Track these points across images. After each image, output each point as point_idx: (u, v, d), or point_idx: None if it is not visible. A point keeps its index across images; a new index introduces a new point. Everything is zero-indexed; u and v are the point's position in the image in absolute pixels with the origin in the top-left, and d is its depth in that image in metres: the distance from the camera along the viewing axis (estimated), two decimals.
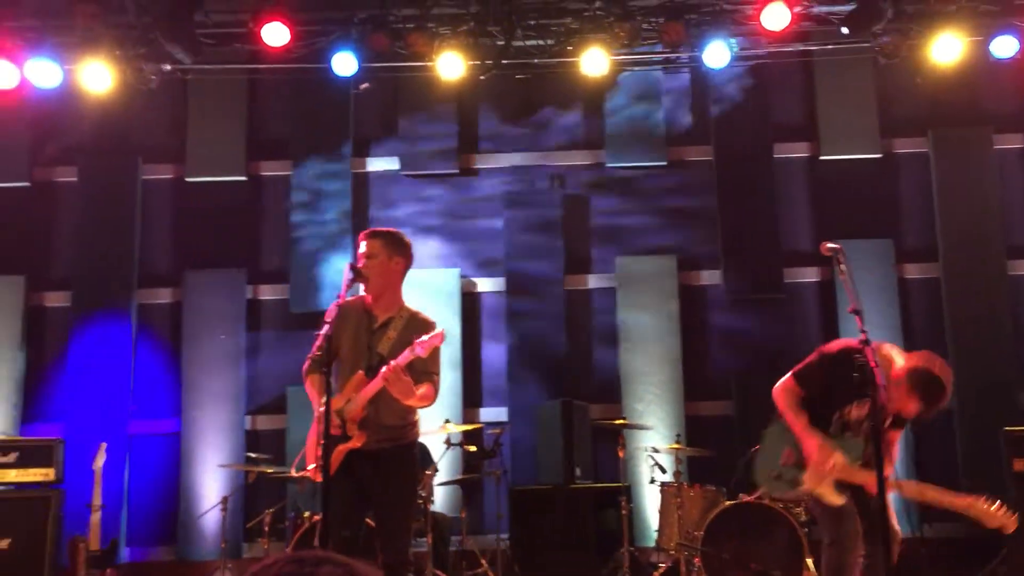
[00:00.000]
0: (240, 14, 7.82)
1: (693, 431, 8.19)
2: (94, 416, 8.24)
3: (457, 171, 8.91)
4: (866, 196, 8.74)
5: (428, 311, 4.78)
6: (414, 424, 4.73)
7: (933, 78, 8.03)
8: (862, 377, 4.08)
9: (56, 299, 8.72)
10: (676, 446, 7.14)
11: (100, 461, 6.78)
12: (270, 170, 8.98)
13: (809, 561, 6.33)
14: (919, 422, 4.69)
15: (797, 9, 7.46)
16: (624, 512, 6.98)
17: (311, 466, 4.54)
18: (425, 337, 4.41)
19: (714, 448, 7.42)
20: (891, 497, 4.36)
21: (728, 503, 6.63)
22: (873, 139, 8.75)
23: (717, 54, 7.78)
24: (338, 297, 4.38)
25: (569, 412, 7.72)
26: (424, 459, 6.96)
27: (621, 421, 7.46)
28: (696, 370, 8.52)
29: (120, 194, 8.78)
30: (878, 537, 4.30)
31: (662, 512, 6.99)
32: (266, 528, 6.93)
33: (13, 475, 6.77)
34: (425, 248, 8.64)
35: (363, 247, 4.71)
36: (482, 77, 8.10)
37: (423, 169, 8.90)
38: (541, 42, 8.03)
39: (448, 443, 7.19)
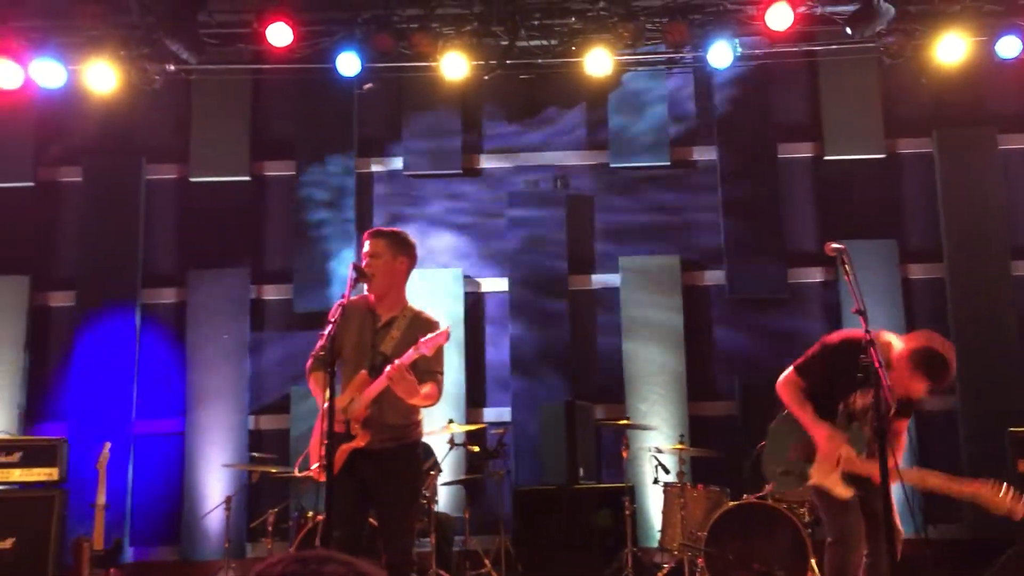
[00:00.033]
0: (244, 14, 7.83)
1: (697, 431, 8.18)
2: (98, 416, 8.25)
3: (461, 171, 8.92)
4: (870, 196, 8.73)
5: (432, 311, 4.79)
6: (417, 424, 4.73)
7: (937, 78, 8.03)
8: (866, 378, 4.08)
9: (60, 299, 8.73)
10: (680, 446, 7.13)
11: (104, 461, 6.79)
12: (274, 170, 8.99)
13: (813, 562, 6.32)
14: (925, 401, 4.66)
15: (801, 9, 7.45)
16: (628, 512, 6.98)
17: (314, 465, 4.54)
18: (430, 336, 4.41)
19: (718, 449, 7.42)
20: (895, 496, 4.36)
21: (732, 504, 6.62)
22: (877, 139, 8.74)
23: (721, 54, 7.78)
24: (342, 297, 4.38)
25: (573, 412, 7.72)
26: (428, 459, 6.96)
27: (625, 421, 7.46)
28: (700, 370, 8.52)
29: (124, 194, 8.79)
30: (881, 536, 4.30)
31: (665, 512, 6.98)
32: (270, 528, 6.93)
33: (17, 475, 6.79)
34: (429, 248, 8.65)
35: (367, 247, 4.72)
36: (486, 77, 8.11)
37: (427, 169, 8.90)
38: (545, 42, 8.03)
39: (452, 443, 7.19)
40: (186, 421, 8.42)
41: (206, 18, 7.80)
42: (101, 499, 6.65)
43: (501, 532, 7.22)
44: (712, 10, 7.77)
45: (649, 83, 8.86)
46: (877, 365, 4.06)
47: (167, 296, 8.78)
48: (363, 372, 4.54)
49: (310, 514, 6.57)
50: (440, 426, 7.10)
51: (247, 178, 8.91)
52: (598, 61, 7.84)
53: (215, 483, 8.19)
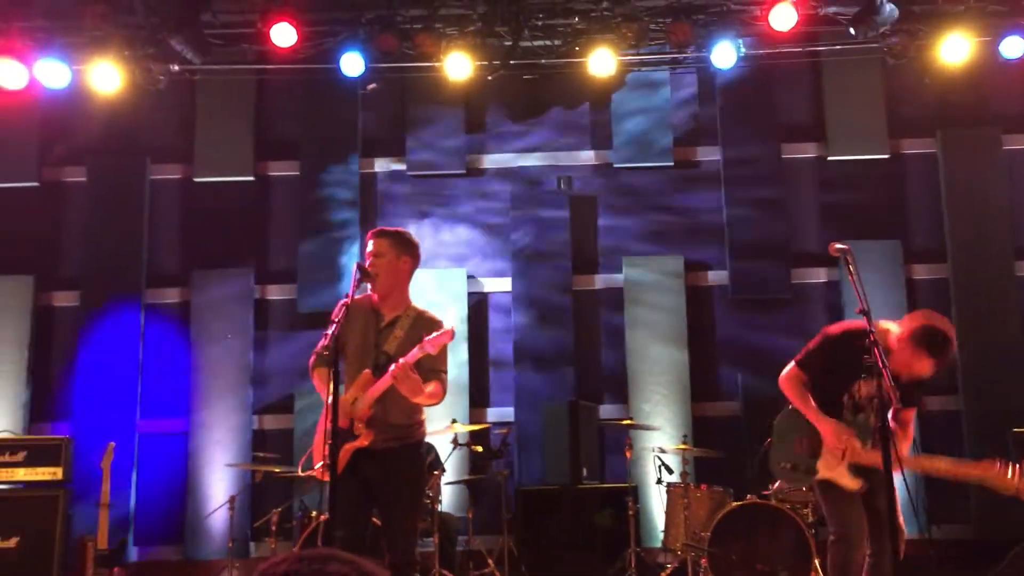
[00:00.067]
0: (248, 15, 7.84)
1: (700, 432, 8.17)
2: (102, 415, 8.26)
3: (464, 171, 8.92)
4: (874, 197, 8.73)
5: (435, 311, 4.79)
6: (421, 424, 4.73)
7: (941, 79, 8.02)
8: (870, 368, 4.10)
9: (64, 299, 8.75)
10: (683, 447, 7.13)
11: (108, 460, 6.80)
12: (278, 170, 9.00)
13: (816, 562, 6.32)
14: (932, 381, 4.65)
15: (805, 10, 7.45)
16: (631, 512, 6.98)
17: (318, 465, 4.55)
18: (434, 334, 4.42)
19: (721, 449, 7.41)
20: (899, 497, 4.35)
21: (735, 504, 6.62)
22: (881, 140, 8.74)
23: (724, 54, 7.78)
24: (346, 297, 4.38)
25: (576, 412, 7.72)
26: (432, 460, 6.97)
27: (628, 421, 7.47)
28: (703, 371, 8.52)
29: (128, 194, 8.80)
30: (885, 535, 4.30)
31: (669, 513, 6.98)
32: (273, 527, 6.94)
33: (22, 474, 6.80)
34: (433, 248, 8.66)
35: (371, 246, 4.73)
36: (490, 77, 8.12)
37: (431, 169, 8.91)
38: (548, 42, 8.03)
39: (455, 443, 7.19)
40: (190, 421, 8.43)
41: (210, 18, 7.82)
42: (105, 498, 6.66)
43: (505, 532, 7.23)
44: (716, 10, 7.77)
45: (653, 83, 8.86)
46: (881, 366, 4.06)
47: (171, 296, 8.79)
48: (367, 371, 4.55)
49: (314, 514, 6.58)
50: (444, 426, 7.10)
51: (251, 178, 8.92)
52: (602, 61, 7.85)
53: (219, 483, 8.20)
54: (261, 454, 7.63)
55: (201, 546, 8.20)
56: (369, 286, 4.68)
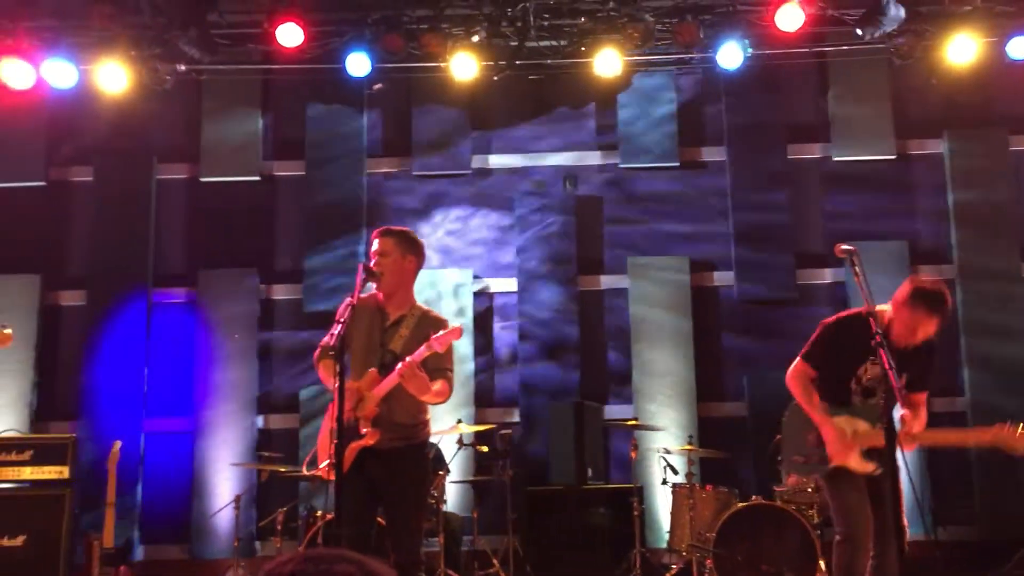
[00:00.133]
0: (254, 15, 7.86)
1: (705, 432, 8.17)
2: (108, 414, 8.28)
3: (470, 171, 8.92)
4: (880, 198, 8.71)
5: (441, 311, 4.80)
6: (426, 423, 4.74)
7: (948, 79, 8.02)
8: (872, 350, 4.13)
9: (71, 298, 8.77)
10: (688, 447, 7.13)
11: (114, 459, 6.81)
12: (284, 170, 9.01)
13: (822, 563, 6.31)
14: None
15: (811, 10, 7.44)
16: (636, 513, 6.98)
17: (323, 464, 4.55)
18: (442, 332, 4.43)
19: (726, 449, 7.41)
20: (904, 497, 4.35)
21: (740, 504, 6.62)
22: (888, 140, 8.72)
23: (730, 55, 7.78)
24: (351, 296, 4.38)
25: (581, 413, 7.72)
26: (437, 461, 6.98)
27: (633, 422, 7.46)
28: (709, 371, 8.51)
29: (135, 194, 8.82)
30: (889, 536, 4.30)
31: (674, 513, 6.98)
32: (278, 526, 6.95)
33: (28, 473, 6.80)
34: (438, 248, 8.66)
35: (376, 245, 4.73)
36: (495, 78, 8.13)
37: (436, 169, 8.91)
38: (554, 43, 8.04)
39: (460, 443, 7.20)
40: (196, 420, 8.44)
41: (217, 19, 7.84)
42: (111, 497, 6.68)
43: (510, 532, 7.23)
44: (722, 11, 7.78)
45: (659, 84, 8.86)
46: (887, 367, 4.06)
47: (177, 296, 8.80)
48: (372, 370, 4.55)
49: (319, 513, 6.59)
50: (449, 426, 7.11)
51: (257, 178, 8.93)
52: (608, 61, 7.85)
53: (224, 482, 8.21)
54: (266, 453, 7.64)
55: (207, 545, 8.21)
56: (374, 285, 4.68)
